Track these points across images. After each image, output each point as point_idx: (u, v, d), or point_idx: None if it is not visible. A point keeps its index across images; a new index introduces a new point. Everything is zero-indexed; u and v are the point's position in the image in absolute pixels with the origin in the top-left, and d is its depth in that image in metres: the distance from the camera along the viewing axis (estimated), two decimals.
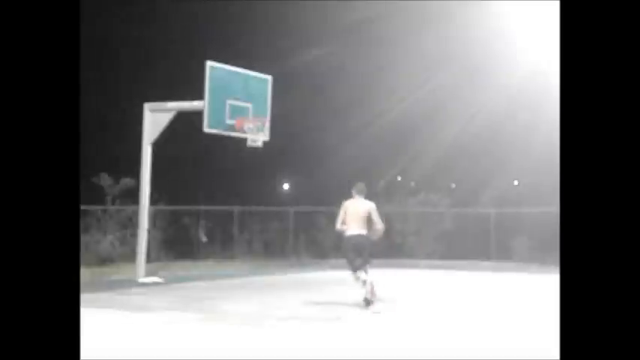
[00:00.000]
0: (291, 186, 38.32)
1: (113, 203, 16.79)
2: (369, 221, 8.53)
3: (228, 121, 11.98)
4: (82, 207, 14.06)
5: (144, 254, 12.46)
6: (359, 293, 8.35)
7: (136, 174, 13.32)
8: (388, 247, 19.80)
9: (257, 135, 12.24)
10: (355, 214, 8.49)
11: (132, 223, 16.05)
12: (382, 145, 29.68)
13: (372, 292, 8.20)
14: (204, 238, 19.13)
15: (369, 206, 8.58)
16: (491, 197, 21.07)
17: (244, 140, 12.30)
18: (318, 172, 30.03)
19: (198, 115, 11.88)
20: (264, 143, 12.52)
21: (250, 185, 28.60)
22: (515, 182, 27.32)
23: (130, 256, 14.78)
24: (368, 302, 8.17)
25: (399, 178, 25.51)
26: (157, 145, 12.62)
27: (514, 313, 8.50)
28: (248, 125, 12.06)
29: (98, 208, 16.74)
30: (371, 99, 28.70)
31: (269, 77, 12.79)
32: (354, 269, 8.39)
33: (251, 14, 28.76)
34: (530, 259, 17.45)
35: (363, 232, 8.48)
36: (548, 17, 15.69)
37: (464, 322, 7.55)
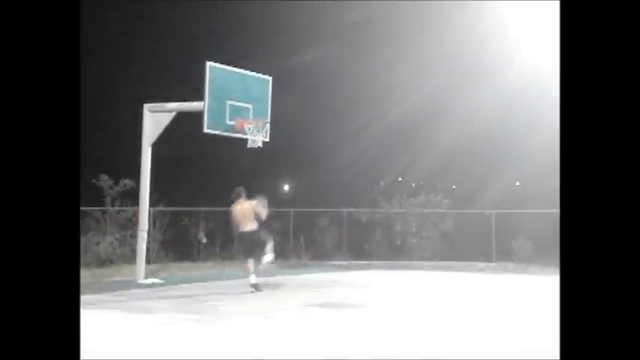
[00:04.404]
0: (291, 187, 38.28)
1: (113, 204, 16.76)
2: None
3: (228, 122, 11.96)
4: (82, 208, 14.04)
5: (144, 255, 12.46)
6: (359, 294, 8.33)
7: (135, 175, 13.31)
8: (388, 248, 19.81)
9: (257, 135, 12.21)
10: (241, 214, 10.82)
11: (131, 224, 16.02)
12: (382, 145, 29.66)
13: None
14: (204, 239, 19.08)
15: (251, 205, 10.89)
16: (492, 198, 21.02)
17: (244, 141, 12.28)
18: (318, 172, 30.01)
19: (198, 115, 11.87)
20: (264, 144, 12.49)
21: (250, 186, 28.55)
22: (517, 183, 27.26)
23: (130, 258, 14.78)
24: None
25: (400, 179, 25.48)
26: (156, 146, 12.61)
27: (514, 314, 8.49)
28: (248, 126, 12.04)
29: (98, 209, 16.71)
30: (371, 99, 28.69)
31: (269, 78, 12.74)
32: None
33: (250, 14, 28.78)
34: (532, 260, 17.40)
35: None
36: (548, 17, 15.68)
37: (464, 322, 7.55)
